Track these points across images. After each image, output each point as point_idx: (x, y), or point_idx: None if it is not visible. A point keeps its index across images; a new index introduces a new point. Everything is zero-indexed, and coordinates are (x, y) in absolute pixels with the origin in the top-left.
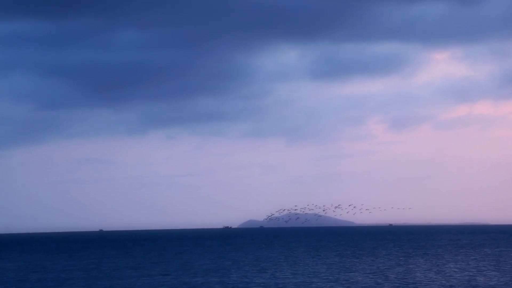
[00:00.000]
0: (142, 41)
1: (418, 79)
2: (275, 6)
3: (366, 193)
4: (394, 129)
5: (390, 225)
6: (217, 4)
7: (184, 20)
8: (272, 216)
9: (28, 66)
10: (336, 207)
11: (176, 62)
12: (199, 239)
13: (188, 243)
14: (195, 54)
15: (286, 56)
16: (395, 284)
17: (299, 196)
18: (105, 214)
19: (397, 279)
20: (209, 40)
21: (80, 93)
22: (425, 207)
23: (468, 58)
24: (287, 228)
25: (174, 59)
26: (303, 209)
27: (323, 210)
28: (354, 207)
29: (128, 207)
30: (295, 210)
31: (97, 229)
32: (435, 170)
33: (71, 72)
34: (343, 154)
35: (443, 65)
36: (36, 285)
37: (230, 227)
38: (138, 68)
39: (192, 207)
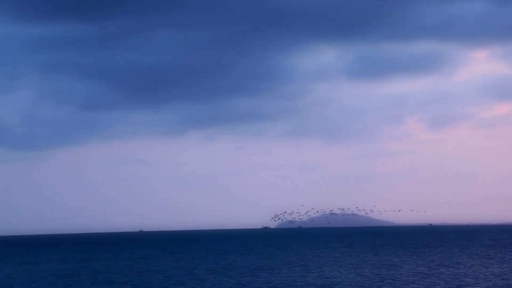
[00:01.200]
0: (181, 42)
1: (457, 77)
2: (314, 6)
3: (405, 193)
4: (433, 128)
5: (430, 224)
6: (256, 4)
7: (223, 21)
8: (277, 217)
9: (69, 68)
10: (341, 209)
11: (215, 63)
12: (241, 239)
13: (230, 243)
14: (234, 54)
15: (325, 56)
16: (445, 283)
17: (337, 195)
18: (145, 215)
19: (445, 279)
20: (248, 41)
21: (120, 94)
22: (465, 206)
23: (508, 56)
24: (326, 228)
25: (213, 59)
26: (308, 212)
27: (330, 213)
28: (362, 210)
29: (167, 207)
30: (298, 212)
31: (137, 230)
32: (475, 169)
33: (111, 73)
34: (381, 154)
35: (482, 63)
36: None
37: (269, 227)
38: (177, 69)
39: (231, 207)
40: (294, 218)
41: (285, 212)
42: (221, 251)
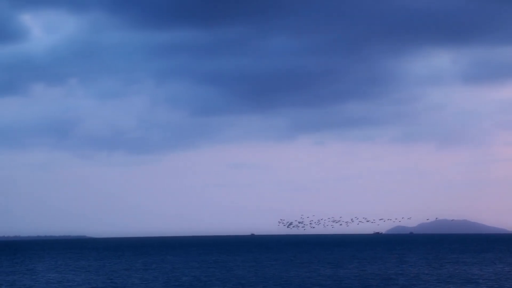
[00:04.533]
0: (294, 47)
1: None
2: (428, 9)
3: None
4: None
5: None
6: (369, 9)
7: (336, 26)
8: (285, 222)
9: (183, 74)
10: (356, 218)
11: (327, 68)
12: (356, 244)
13: (348, 249)
14: (346, 59)
15: (439, 60)
16: None
17: (449, 201)
18: (256, 218)
19: None
20: (360, 45)
21: (232, 100)
22: None
23: None
24: (439, 235)
25: (325, 64)
26: (313, 219)
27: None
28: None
29: (278, 212)
30: (302, 219)
31: (249, 233)
32: None
33: (223, 79)
34: (496, 159)
35: None
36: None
37: (380, 233)
38: (289, 75)
39: (340, 212)
40: (299, 225)
41: (287, 220)
42: (339, 256)
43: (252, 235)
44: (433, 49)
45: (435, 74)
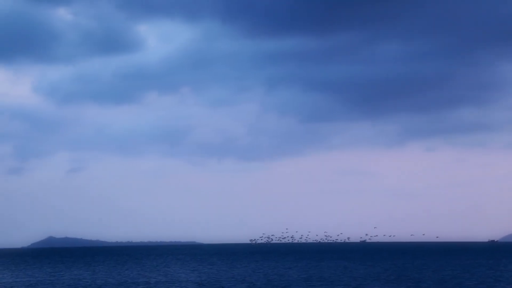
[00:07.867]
0: (405, 53)
1: None
2: None
3: None
4: None
5: None
6: (481, 13)
7: (449, 30)
8: (254, 240)
9: (292, 81)
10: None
11: (439, 73)
12: (467, 253)
13: (465, 257)
14: (459, 64)
15: None
16: None
17: None
18: (365, 225)
19: None
20: (472, 50)
21: (341, 107)
22: None
23: None
24: None
25: (438, 70)
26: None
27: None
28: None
29: (387, 218)
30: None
31: (360, 240)
32: None
33: (333, 86)
34: None
35: None
36: None
37: (496, 241)
38: (400, 81)
39: (451, 219)
40: (271, 239)
41: (263, 234)
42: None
43: (364, 242)
44: None
45: None
